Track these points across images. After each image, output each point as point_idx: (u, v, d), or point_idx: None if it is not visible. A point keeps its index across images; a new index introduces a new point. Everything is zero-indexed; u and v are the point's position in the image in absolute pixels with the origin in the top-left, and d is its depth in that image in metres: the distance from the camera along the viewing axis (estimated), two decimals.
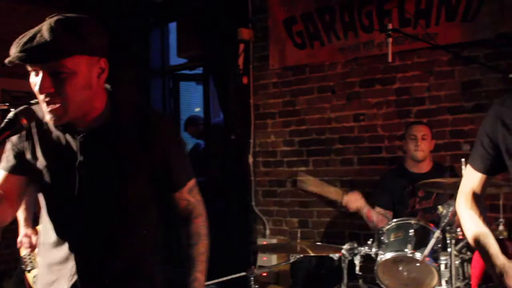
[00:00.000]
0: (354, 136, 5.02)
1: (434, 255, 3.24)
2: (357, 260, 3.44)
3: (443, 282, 3.23)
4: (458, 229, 3.07)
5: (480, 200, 2.10)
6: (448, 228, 3.07)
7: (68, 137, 1.83)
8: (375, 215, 4.02)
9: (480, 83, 4.44)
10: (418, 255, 3.19)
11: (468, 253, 3.37)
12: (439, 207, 3.12)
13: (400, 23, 4.62)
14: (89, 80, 1.71)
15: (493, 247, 1.92)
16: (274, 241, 5.31)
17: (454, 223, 3.06)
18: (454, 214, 2.96)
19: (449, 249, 3.08)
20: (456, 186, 3.08)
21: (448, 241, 3.08)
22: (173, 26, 6.48)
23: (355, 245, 3.44)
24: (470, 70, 4.48)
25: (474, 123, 4.43)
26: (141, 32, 6.51)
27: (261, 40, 5.56)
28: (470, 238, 2.05)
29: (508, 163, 1.92)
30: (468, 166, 2.11)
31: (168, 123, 1.96)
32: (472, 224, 2.04)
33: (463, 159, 3.16)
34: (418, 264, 3.22)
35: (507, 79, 4.28)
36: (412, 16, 4.62)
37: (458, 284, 3.17)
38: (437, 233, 3.07)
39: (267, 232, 5.47)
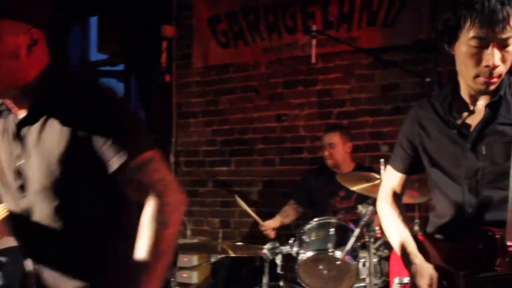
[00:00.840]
0: (276, 136, 5.04)
1: (354, 253, 3.29)
2: (278, 260, 3.43)
3: (362, 280, 3.29)
4: (377, 228, 3.14)
5: (400, 199, 2.18)
6: (367, 226, 3.12)
7: (11, 124, 1.60)
8: (288, 220, 4.22)
9: (398, 87, 4.58)
10: (338, 254, 3.23)
11: (386, 251, 3.46)
12: (359, 206, 3.17)
13: (324, 26, 4.69)
14: (14, 49, 1.50)
15: (411, 246, 1.98)
16: (195, 241, 5.23)
17: (373, 222, 3.11)
18: (373, 213, 3.02)
19: (368, 247, 3.15)
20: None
21: (367, 240, 3.14)
22: (94, 20, 6.26)
23: (277, 244, 3.44)
24: (390, 74, 4.61)
25: (392, 125, 4.56)
26: (60, 26, 6.25)
27: (185, 38, 5.48)
28: (389, 236, 2.12)
29: (426, 166, 2.01)
30: (389, 167, 2.19)
31: (108, 92, 1.61)
32: (391, 222, 2.12)
33: (382, 160, 3.25)
34: (338, 263, 3.26)
35: (424, 83, 4.41)
36: (335, 19, 4.70)
37: (376, 281, 3.24)
38: (357, 232, 3.12)
39: (188, 232, 5.39)
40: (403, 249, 1.99)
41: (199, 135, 5.44)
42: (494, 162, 1.82)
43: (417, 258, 1.92)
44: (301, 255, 3.32)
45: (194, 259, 4.72)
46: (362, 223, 3.09)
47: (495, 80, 1.75)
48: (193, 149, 5.47)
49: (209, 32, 5.30)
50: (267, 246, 3.43)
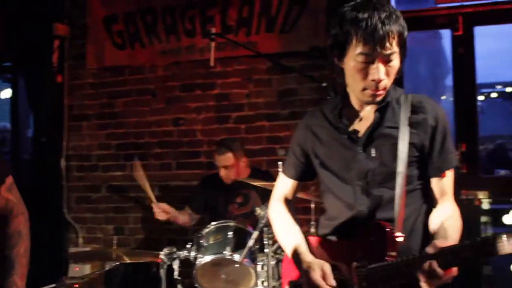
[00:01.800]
0: (173, 140, 4.95)
1: (252, 256, 3.28)
2: (176, 265, 3.34)
3: (260, 283, 3.29)
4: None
5: (291, 204, 2.26)
6: (265, 229, 3.12)
7: None
8: (181, 219, 4.08)
9: (295, 92, 4.66)
10: (236, 257, 3.21)
11: (283, 253, 3.48)
12: (257, 208, 3.17)
13: (223, 30, 4.68)
14: None
15: (303, 247, 2.02)
16: (87, 250, 4.98)
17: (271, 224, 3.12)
18: None
19: (266, 250, 3.15)
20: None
21: (265, 242, 3.15)
22: None
23: (174, 249, 3.35)
24: (287, 80, 4.69)
25: (289, 129, 4.63)
26: None
27: (78, 38, 5.26)
28: (280, 239, 2.17)
29: (318, 170, 2.09)
30: (281, 174, 2.27)
31: None
32: (283, 226, 2.18)
33: (280, 162, 3.27)
34: (237, 266, 3.23)
35: (320, 89, 4.55)
36: (234, 24, 4.71)
37: (274, 283, 3.24)
38: (255, 235, 3.11)
39: (80, 240, 5.16)
40: (295, 250, 2.02)
41: (92, 138, 5.23)
42: (382, 163, 1.92)
43: (308, 257, 1.96)
44: (199, 259, 3.26)
45: (86, 269, 4.50)
46: (260, 225, 3.09)
47: (381, 92, 1.87)
48: (85, 153, 5.25)
49: (104, 32, 5.12)
50: (164, 251, 3.33)
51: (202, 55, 4.77)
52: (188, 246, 3.37)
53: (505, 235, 1.52)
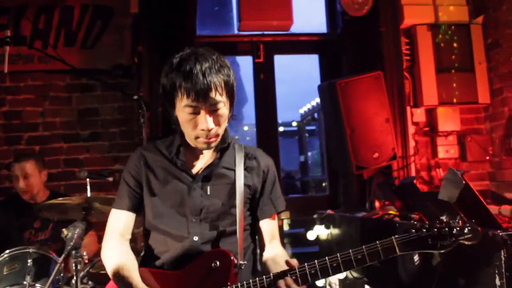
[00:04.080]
0: None
1: (57, 285, 2.91)
2: None
3: None
4: (85, 253, 2.83)
5: (127, 240, 2.06)
6: (74, 252, 2.78)
7: None
8: None
9: (97, 112, 4.37)
10: (39, 287, 2.81)
11: (90, 282, 3.16)
12: (64, 230, 2.79)
13: (15, 40, 4.19)
14: None
15: (137, 279, 1.88)
16: None
17: (80, 246, 2.79)
18: (80, 236, 2.72)
19: (73, 281, 2.79)
20: (79, 207, 2.91)
21: (73, 266, 2.79)
22: None
23: None
24: (87, 98, 4.38)
25: (90, 151, 4.32)
26: None
27: None
28: (112, 271, 1.95)
29: (149, 203, 2.03)
30: (113, 211, 2.09)
31: None
32: (115, 258, 1.97)
33: (88, 180, 3.01)
34: None
35: (123, 109, 4.35)
36: (29, 34, 4.28)
37: None
38: (61, 259, 2.74)
39: None
40: (128, 282, 1.87)
41: None
42: (217, 201, 1.98)
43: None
44: None
45: None
46: (68, 247, 2.73)
47: (213, 139, 1.91)
48: None
49: None
50: None
51: None
52: None
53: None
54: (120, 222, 2.05)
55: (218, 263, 1.85)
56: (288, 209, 4.57)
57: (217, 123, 1.87)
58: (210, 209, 1.96)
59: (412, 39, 4.62)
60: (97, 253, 2.87)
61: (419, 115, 4.62)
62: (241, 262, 1.89)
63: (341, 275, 3.73)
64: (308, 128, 9.95)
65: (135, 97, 3.31)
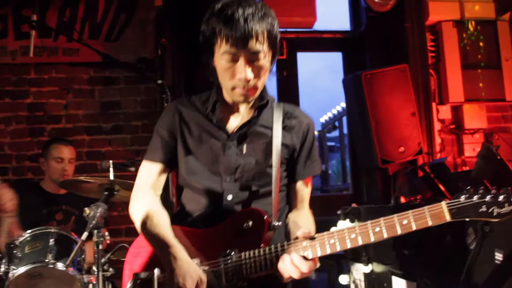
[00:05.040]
0: None
1: (79, 266, 2.87)
2: None
3: None
4: (107, 234, 2.78)
5: (158, 194, 2.00)
6: (96, 231, 2.73)
7: None
8: None
9: (119, 105, 4.37)
10: (60, 265, 2.76)
11: (111, 269, 3.11)
12: (86, 209, 2.72)
13: (40, 33, 4.23)
14: None
15: (176, 247, 1.77)
16: None
17: (102, 226, 2.75)
18: (102, 216, 2.68)
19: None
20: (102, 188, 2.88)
21: (96, 248, 2.75)
22: None
23: None
24: (110, 91, 4.38)
25: (112, 144, 4.30)
26: None
27: None
28: (139, 226, 1.89)
29: (183, 159, 1.95)
30: (145, 162, 2.00)
31: None
32: (144, 214, 1.89)
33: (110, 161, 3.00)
34: (60, 277, 2.78)
35: (145, 102, 4.35)
36: (54, 27, 4.30)
37: None
38: (84, 236, 2.69)
39: None
40: (166, 250, 1.76)
41: None
42: (254, 161, 1.89)
43: (185, 262, 1.73)
44: (12, 271, 2.74)
45: None
46: (90, 226, 2.68)
47: (251, 92, 1.82)
48: None
49: None
50: None
51: (14, 59, 4.27)
52: None
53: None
54: (151, 174, 1.97)
55: (250, 223, 1.78)
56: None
57: (257, 75, 1.77)
58: (245, 168, 1.88)
59: (437, 36, 4.57)
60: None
61: (445, 112, 4.55)
62: (275, 223, 1.80)
63: (367, 269, 3.64)
64: (328, 135, 9.85)
65: (159, 81, 3.29)
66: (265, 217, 1.78)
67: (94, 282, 2.88)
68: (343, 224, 4.09)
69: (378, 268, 3.54)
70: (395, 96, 3.93)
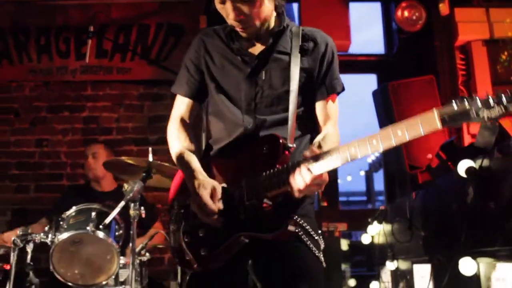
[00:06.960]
0: (34, 161, 4.71)
1: (117, 238, 3.15)
2: (29, 248, 3.09)
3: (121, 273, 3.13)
4: (142, 208, 3.03)
5: (188, 125, 2.12)
6: (132, 204, 2.99)
7: None
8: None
9: (165, 119, 4.69)
10: (100, 234, 3.05)
11: (147, 254, 3.36)
12: (125, 184, 3.03)
13: (97, 54, 4.72)
14: None
15: (195, 164, 1.95)
16: None
17: (138, 200, 3.00)
18: (139, 191, 2.94)
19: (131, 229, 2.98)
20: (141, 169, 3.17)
21: (131, 220, 2.98)
22: None
23: (29, 231, 3.11)
24: (157, 106, 4.76)
25: (157, 154, 4.61)
26: None
27: None
28: (174, 156, 2.05)
29: (212, 90, 2.03)
30: (177, 96, 2.14)
31: None
32: (177, 144, 2.06)
33: (150, 148, 3.29)
34: (99, 245, 3.06)
35: None
36: (109, 49, 4.78)
37: (137, 286, 3.05)
38: (122, 204, 2.91)
39: None
40: (187, 166, 1.94)
41: None
42: (272, 86, 1.95)
43: (201, 174, 1.91)
44: (58, 237, 3.03)
45: None
46: (127, 197, 2.94)
47: (249, 29, 1.91)
48: None
49: None
50: (18, 232, 3.08)
51: (74, 77, 4.75)
52: (46, 229, 3.15)
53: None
54: (179, 107, 2.10)
55: (268, 147, 1.84)
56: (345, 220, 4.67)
57: (248, 12, 1.84)
58: (265, 94, 1.94)
59: (468, 55, 4.75)
60: None
61: (476, 127, 4.66)
62: (290, 144, 1.82)
63: (393, 265, 3.73)
64: (376, 174, 9.80)
65: None
66: (280, 140, 1.81)
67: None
68: (372, 229, 4.20)
69: (402, 265, 3.63)
70: (422, 105, 4.10)
